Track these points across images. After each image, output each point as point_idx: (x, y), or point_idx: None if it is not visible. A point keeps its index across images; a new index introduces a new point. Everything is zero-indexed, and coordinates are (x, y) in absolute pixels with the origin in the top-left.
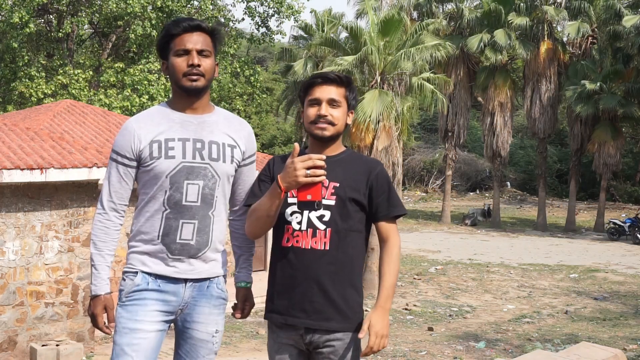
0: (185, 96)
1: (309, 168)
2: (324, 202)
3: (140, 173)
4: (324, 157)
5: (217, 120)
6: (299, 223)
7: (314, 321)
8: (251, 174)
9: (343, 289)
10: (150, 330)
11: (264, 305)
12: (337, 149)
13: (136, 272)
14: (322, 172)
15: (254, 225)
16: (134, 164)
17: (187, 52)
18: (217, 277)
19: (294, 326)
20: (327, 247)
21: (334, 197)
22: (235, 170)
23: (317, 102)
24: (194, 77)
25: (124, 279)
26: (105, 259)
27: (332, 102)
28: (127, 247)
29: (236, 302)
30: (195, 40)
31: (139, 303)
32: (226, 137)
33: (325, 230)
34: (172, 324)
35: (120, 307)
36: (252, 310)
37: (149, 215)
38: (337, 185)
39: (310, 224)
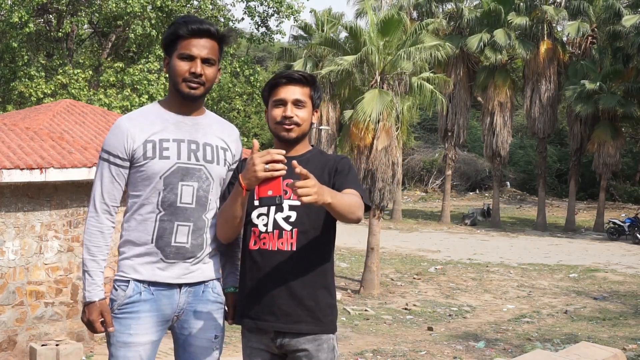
0: (181, 100)
1: (267, 163)
2: (290, 202)
3: (132, 174)
4: (283, 151)
5: (210, 123)
6: (265, 225)
7: (284, 324)
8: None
9: (313, 290)
10: (145, 343)
11: None
12: (303, 148)
13: (128, 281)
14: (281, 166)
15: (222, 227)
16: (127, 164)
17: (191, 58)
18: (212, 280)
19: (264, 330)
20: (294, 248)
21: None
22: (226, 174)
23: (283, 103)
24: (194, 86)
25: (115, 288)
26: (99, 264)
27: (297, 103)
28: (118, 254)
29: (226, 308)
30: (202, 47)
31: (131, 316)
32: (219, 140)
33: (291, 230)
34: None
35: (112, 319)
36: None
37: (141, 219)
38: None
39: (276, 225)
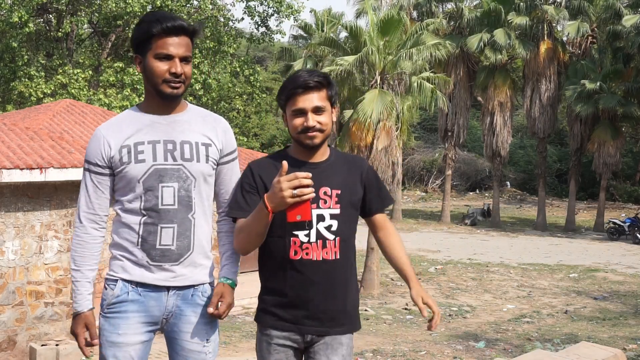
0: (160, 100)
1: (295, 188)
2: (331, 211)
3: (116, 181)
4: (309, 174)
5: (190, 119)
6: (307, 235)
7: (328, 328)
8: (233, 173)
9: (352, 294)
10: (134, 343)
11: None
12: (325, 152)
13: (116, 281)
14: (309, 190)
15: (244, 243)
16: (107, 171)
17: (169, 58)
18: (202, 284)
19: (302, 332)
20: (338, 257)
21: (339, 205)
22: (214, 169)
23: (302, 113)
24: (176, 86)
25: (105, 287)
26: (85, 274)
27: (317, 110)
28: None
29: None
30: (178, 45)
31: (120, 316)
32: (200, 136)
33: (334, 239)
34: (160, 332)
35: (102, 319)
36: (250, 309)
37: (126, 223)
38: (339, 192)
39: (319, 235)
